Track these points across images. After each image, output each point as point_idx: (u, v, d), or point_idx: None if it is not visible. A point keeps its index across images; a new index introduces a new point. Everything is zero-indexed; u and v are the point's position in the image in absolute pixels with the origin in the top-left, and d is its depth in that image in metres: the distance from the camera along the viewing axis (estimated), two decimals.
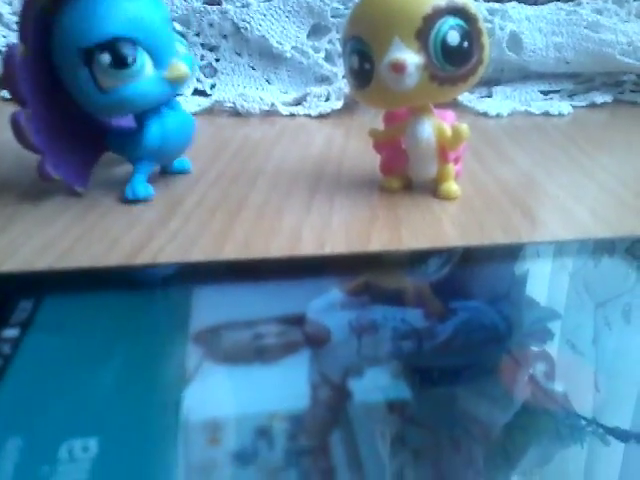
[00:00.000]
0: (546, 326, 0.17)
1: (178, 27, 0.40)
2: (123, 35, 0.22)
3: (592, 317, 0.18)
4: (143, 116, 0.24)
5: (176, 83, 0.23)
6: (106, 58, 0.21)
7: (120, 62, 0.22)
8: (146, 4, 0.22)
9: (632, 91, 0.43)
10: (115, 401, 0.14)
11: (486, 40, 0.23)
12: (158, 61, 0.23)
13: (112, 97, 0.22)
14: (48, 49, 0.23)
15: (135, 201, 0.25)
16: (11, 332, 0.15)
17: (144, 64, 0.22)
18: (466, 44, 0.22)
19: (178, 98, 0.26)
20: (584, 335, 0.17)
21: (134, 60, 0.22)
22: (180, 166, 0.28)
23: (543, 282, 0.20)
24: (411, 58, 0.22)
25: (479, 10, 0.41)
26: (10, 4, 0.46)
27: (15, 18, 0.46)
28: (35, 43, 0.22)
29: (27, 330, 0.15)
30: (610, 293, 0.19)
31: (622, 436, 0.13)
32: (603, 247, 0.22)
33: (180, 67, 0.23)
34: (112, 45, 0.21)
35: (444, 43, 0.22)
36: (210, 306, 0.18)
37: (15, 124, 0.22)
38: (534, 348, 0.16)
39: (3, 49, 0.44)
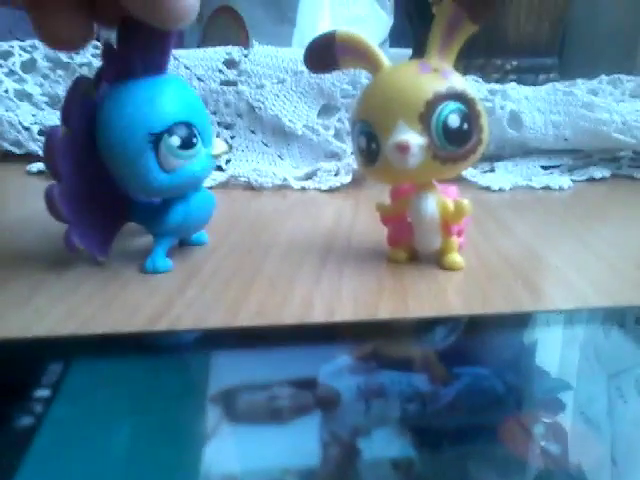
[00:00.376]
0: (557, 397, 0.17)
1: None
2: (185, 120, 0.24)
3: (605, 388, 0.18)
4: (167, 199, 0.26)
5: (218, 159, 0.26)
6: (176, 140, 0.24)
7: (189, 143, 0.24)
8: (191, 90, 0.25)
9: (629, 166, 0.45)
10: (140, 459, 0.14)
11: (485, 121, 0.25)
12: (205, 141, 0.25)
13: (175, 177, 0.24)
14: (89, 129, 0.25)
15: (155, 272, 0.26)
16: (43, 392, 0.16)
17: (200, 144, 0.25)
18: (466, 126, 0.24)
19: None
20: (598, 407, 0.17)
21: (197, 141, 0.24)
22: (197, 239, 0.29)
23: (551, 352, 0.21)
24: (414, 139, 0.23)
25: (480, 91, 0.43)
26: (41, 85, 0.49)
27: (45, 99, 0.49)
28: (75, 123, 0.24)
29: (57, 391, 0.16)
30: (622, 364, 0.19)
31: None
32: (613, 316, 0.22)
33: (221, 144, 0.26)
34: (180, 129, 0.24)
35: (445, 126, 0.23)
36: (227, 370, 0.18)
37: (49, 198, 0.24)
38: (545, 419, 0.16)
39: (31, 127, 0.46)
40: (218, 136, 0.45)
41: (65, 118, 0.24)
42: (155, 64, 0.24)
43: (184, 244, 0.29)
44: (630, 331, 0.21)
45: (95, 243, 0.26)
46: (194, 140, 0.24)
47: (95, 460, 0.14)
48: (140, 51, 0.24)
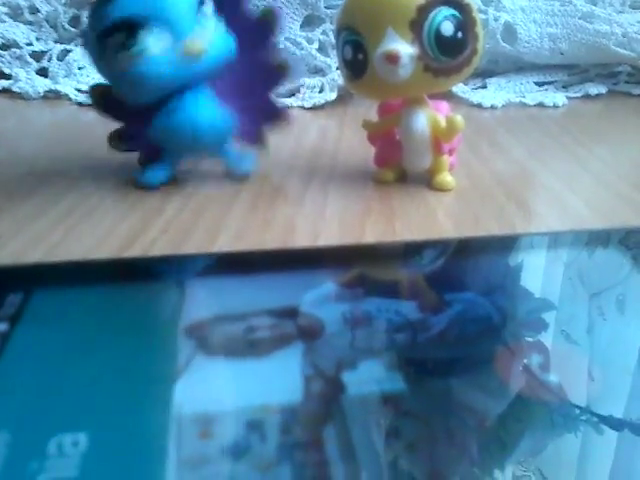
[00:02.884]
0: (541, 317, 0.17)
1: None
2: (135, 13, 0.21)
3: (586, 307, 0.18)
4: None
5: (192, 58, 0.22)
6: (119, 37, 0.21)
7: (130, 39, 0.21)
8: None
9: (626, 82, 0.43)
10: (105, 395, 0.14)
11: (480, 30, 0.23)
12: (174, 40, 0.22)
13: (129, 75, 0.22)
14: None
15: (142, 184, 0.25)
16: (0, 326, 0.15)
17: (157, 41, 0.22)
18: (460, 34, 0.22)
19: None
20: (578, 325, 0.17)
21: (145, 36, 0.22)
22: (239, 162, 0.27)
23: (537, 273, 0.20)
24: (405, 49, 0.22)
25: (473, 0, 0.41)
26: None
27: (5, 9, 0.45)
28: None
29: (16, 324, 0.15)
30: (604, 283, 0.19)
31: (616, 425, 0.13)
32: (597, 238, 0.22)
33: (194, 41, 0.22)
34: (124, 24, 0.21)
35: (438, 34, 0.22)
36: (202, 299, 0.17)
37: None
38: (529, 339, 0.16)
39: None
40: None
41: None
42: None
43: (227, 169, 0.27)
44: (613, 252, 0.21)
45: (146, 147, 0.26)
46: (139, 34, 0.21)
47: (52, 400, 0.13)
48: None
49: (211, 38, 0.23)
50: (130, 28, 0.21)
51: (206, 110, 0.24)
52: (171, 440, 0.12)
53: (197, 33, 0.22)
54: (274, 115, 0.26)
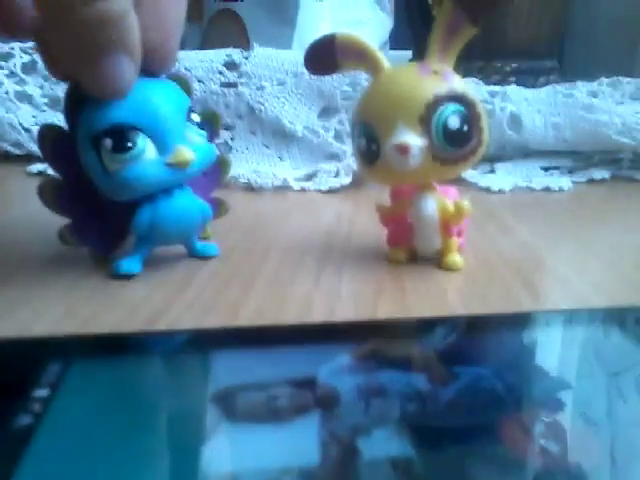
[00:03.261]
0: (556, 396, 0.17)
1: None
2: (124, 122, 0.23)
3: (605, 388, 0.18)
4: (136, 203, 0.25)
5: (179, 168, 0.24)
6: (109, 143, 0.23)
7: (121, 147, 0.23)
8: (152, 93, 0.24)
9: (629, 168, 0.45)
10: (139, 460, 0.14)
11: (485, 123, 0.25)
12: (162, 147, 0.24)
13: (116, 178, 0.23)
14: None
15: (119, 276, 0.25)
16: (42, 392, 0.16)
17: (144, 149, 0.23)
18: (466, 127, 0.24)
19: None
20: (597, 406, 0.17)
21: (134, 144, 0.23)
22: (203, 250, 0.28)
23: (552, 352, 0.21)
24: (414, 141, 0.23)
25: (480, 93, 0.44)
26: (41, 87, 0.49)
27: (45, 100, 0.49)
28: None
29: (57, 391, 0.16)
30: (622, 364, 0.19)
31: None
32: (613, 317, 0.22)
33: (184, 152, 0.24)
34: (113, 131, 0.23)
35: (445, 127, 0.23)
36: (226, 370, 0.18)
37: (40, 189, 0.25)
38: (545, 418, 0.16)
39: (32, 128, 0.46)
40: (219, 138, 0.45)
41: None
42: None
43: (192, 255, 0.28)
44: (630, 331, 0.22)
45: (98, 241, 0.27)
46: (128, 144, 0.23)
47: (93, 461, 0.14)
48: None
49: (197, 146, 0.25)
50: (124, 133, 0.23)
51: (193, 204, 0.26)
52: None
53: (186, 142, 0.24)
54: (219, 208, 0.30)
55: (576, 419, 0.17)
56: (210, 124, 0.28)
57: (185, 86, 0.27)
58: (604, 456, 0.15)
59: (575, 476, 0.14)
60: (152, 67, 0.24)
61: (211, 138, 0.28)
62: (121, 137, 0.23)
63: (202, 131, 0.25)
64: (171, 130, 0.24)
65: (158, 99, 0.24)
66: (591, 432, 0.16)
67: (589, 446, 0.15)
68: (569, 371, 0.19)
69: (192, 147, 0.24)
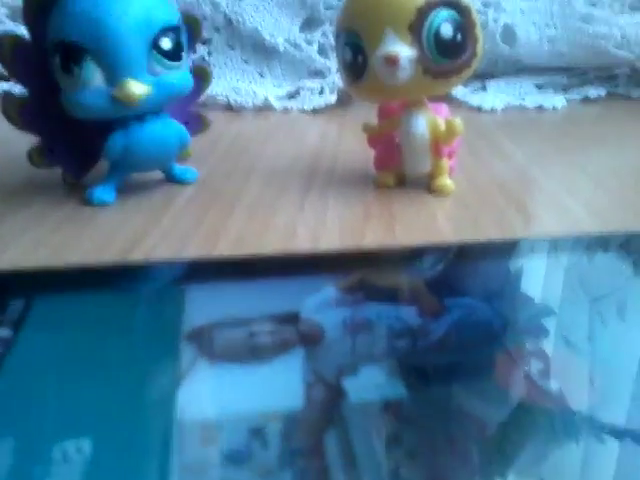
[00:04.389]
0: (541, 323, 0.17)
1: None
2: (73, 40, 0.21)
3: (587, 313, 0.18)
4: (110, 126, 0.23)
5: (125, 104, 0.22)
6: (57, 59, 0.21)
7: (64, 67, 0.21)
8: (114, 10, 0.21)
9: (626, 84, 0.43)
10: (108, 401, 0.13)
11: (480, 32, 0.23)
12: (112, 77, 0.21)
13: (66, 98, 0.22)
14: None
15: (92, 203, 0.24)
16: (3, 332, 0.15)
17: (91, 76, 0.21)
18: (460, 37, 0.22)
19: None
20: (579, 331, 0.17)
21: (80, 68, 0.21)
22: (182, 175, 0.27)
23: (537, 278, 0.20)
24: (404, 51, 0.22)
25: (472, 1, 0.41)
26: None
27: (4, 11, 0.45)
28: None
29: (19, 330, 0.15)
30: (604, 289, 0.19)
31: (617, 433, 0.13)
32: (597, 243, 0.22)
33: (131, 87, 0.21)
34: (62, 48, 0.21)
35: (437, 36, 0.22)
36: (203, 304, 0.17)
37: (3, 102, 0.23)
38: (529, 345, 0.16)
39: None
40: (195, 53, 0.42)
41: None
42: None
43: (170, 180, 0.27)
44: (613, 256, 0.21)
45: (69, 162, 0.25)
46: (72, 65, 0.21)
47: (55, 407, 0.13)
48: None
49: (159, 79, 0.22)
50: (71, 53, 0.21)
51: (169, 128, 0.24)
52: (173, 446, 0.12)
53: (142, 74, 0.22)
54: (199, 123, 0.28)
55: (558, 344, 0.16)
56: (190, 30, 0.25)
57: (194, 24, 0.25)
58: (584, 380, 0.15)
59: (557, 400, 0.14)
60: None
61: (190, 47, 0.25)
62: (67, 56, 0.21)
63: (171, 61, 0.22)
64: (125, 59, 0.21)
65: (117, 20, 0.21)
66: (573, 356, 0.16)
67: (571, 370, 0.15)
68: (553, 297, 0.19)
69: (150, 79, 0.22)
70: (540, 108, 0.40)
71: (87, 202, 0.24)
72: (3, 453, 0.12)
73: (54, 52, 0.21)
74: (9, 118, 0.23)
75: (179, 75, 0.23)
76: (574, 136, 0.34)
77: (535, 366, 0.15)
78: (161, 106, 0.23)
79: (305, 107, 0.39)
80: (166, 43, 0.22)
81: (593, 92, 0.42)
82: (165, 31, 0.22)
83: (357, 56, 0.23)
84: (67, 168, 0.25)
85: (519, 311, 0.18)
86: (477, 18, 0.23)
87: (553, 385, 0.15)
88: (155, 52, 0.22)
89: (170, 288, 0.19)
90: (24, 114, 0.24)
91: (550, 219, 0.23)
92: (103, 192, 0.24)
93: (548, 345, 0.16)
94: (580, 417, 0.13)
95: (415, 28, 0.21)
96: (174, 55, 0.23)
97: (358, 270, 0.20)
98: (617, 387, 0.15)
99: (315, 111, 0.39)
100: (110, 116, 0.22)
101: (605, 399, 0.14)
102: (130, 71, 0.21)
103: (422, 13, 0.21)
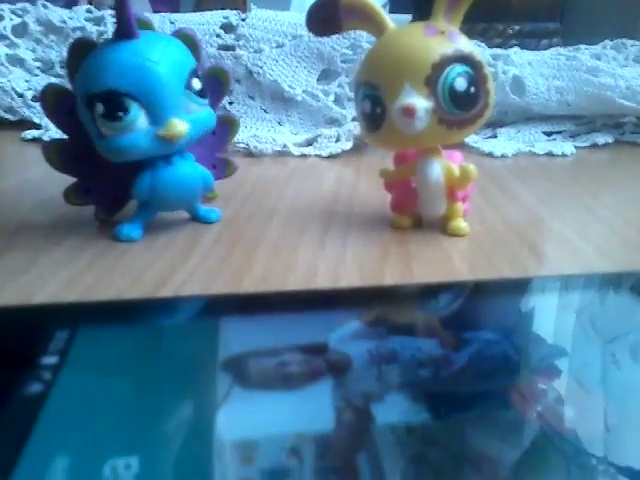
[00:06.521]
0: (553, 363, 0.18)
1: None
2: (117, 89, 0.22)
3: (599, 354, 0.18)
4: (139, 167, 0.25)
5: (170, 141, 0.23)
6: (100, 108, 0.22)
7: (112, 114, 0.22)
8: (152, 56, 0.23)
9: (632, 132, 0.45)
10: (149, 428, 0.14)
11: (491, 85, 0.24)
12: (156, 117, 0.23)
13: (107, 144, 0.23)
14: None
15: (120, 240, 0.25)
16: (50, 359, 0.16)
17: (136, 119, 0.22)
18: (473, 89, 0.23)
19: None
20: (592, 372, 0.17)
21: (125, 114, 0.22)
22: (206, 215, 0.28)
23: (550, 318, 0.21)
24: (421, 103, 0.23)
25: (483, 56, 0.43)
26: (33, 50, 0.48)
27: (38, 64, 0.48)
28: None
29: (65, 358, 0.16)
30: (617, 330, 0.19)
31: (633, 475, 0.13)
32: (608, 283, 0.22)
33: (176, 126, 0.23)
34: (106, 97, 0.22)
35: (452, 89, 0.23)
36: (234, 336, 0.18)
37: (44, 149, 0.25)
38: (542, 385, 0.16)
39: (25, 93, 0.45)
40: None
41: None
42: (122, 28, 0.23)
43: (196, 220, 0.28)
44: (625, 298, 0.22)
45: (102, 201, 0.27)
46: (119, 113, 0.22)
47: (103, 428, 0.14)
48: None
49: (194, 117, 0.24)
50: (117, 100, 0.22)
51: (194, 171, 0.26)
52: (216, 464, 0.13)
53: (181, 113, 0.23)
54: (226, 167, 0.30)
55: (571, 385, 0.17)
56: (218, 82, 0.27)
57: (192, 45, 0.26)
58: (598, 422, 0.15)
59: (571, 442, 0.14)
60: None
61: (219, 97, 0.27)
62: (113, 104, 0.22)
63: (201, 99, 0.24)
64: (167, 101, 0.23)
65: (158, 65, 0.23)
66: (586, 398, 0.16)
67: (584, 412, 0.15)
68: (565, 337, 0.19)
69: (187, 118, 0.24)
70: (550, 154, 0.41)
71: (115, 238, 0.25)
72: (57, 473, 0.13)
73: (94, 101, 0.22)
74: (50, 161, 0.26)
75: (207, 112, 0.25)
76: (583, 181, 0.35)
77: (548, 405, 0.16)
78: (195, 141, 0.25)
79: (322, 153, 0.40)
80: (197, 83, 0.24)
81: (601, 139, 0.43)
82: (194, 72, 0.24)
83: (376, 107, 0.24)
84: (100, 207, 0.27)
85: (532, 350, 0.19)
86: (489, 72, 0.24)
87: (568, 426, 0.15)
88: (189, 92, 0.24)
89: (204, 322, 0.20)
90: (63, 157, 0.26)
91: (561, 259, 0.24)
92: (131, 229, 0.26)
93: (561, 386, 0.17)
94: (595, 458, 0.14)
95: (431, 82, 0.23)
96: (203, 94, 0.25)
97: (379, 306, 0.21)
98: (632, 429, 0.15)
99: (332, 156, 0.40)
100: (155, 154, 0.24)
101: (620, 441, 0.15)
102: (173, 111, 0.23)
103: (438, 68, 0.23)
